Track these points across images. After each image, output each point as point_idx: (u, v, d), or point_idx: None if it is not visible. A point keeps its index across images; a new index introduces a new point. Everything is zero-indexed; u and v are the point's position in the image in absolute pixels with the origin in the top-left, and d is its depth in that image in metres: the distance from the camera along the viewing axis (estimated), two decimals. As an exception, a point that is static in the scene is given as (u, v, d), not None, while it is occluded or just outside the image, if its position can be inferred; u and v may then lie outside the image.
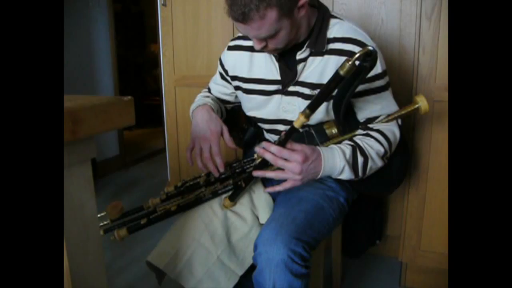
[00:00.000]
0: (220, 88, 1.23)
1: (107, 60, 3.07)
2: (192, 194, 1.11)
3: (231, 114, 1.28)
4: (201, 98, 1.20)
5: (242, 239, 1.06)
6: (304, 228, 0.93)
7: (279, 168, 0.92)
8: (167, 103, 2.12)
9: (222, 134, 1.05)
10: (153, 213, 1.10)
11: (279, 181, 0.96)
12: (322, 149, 0.93)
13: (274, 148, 0.90)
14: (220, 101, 1.25)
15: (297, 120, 0.87)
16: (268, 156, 0.90)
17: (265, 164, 0.95)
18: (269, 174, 0.93)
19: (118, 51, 3.20)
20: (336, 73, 0.81)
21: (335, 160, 0.93)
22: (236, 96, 1.21)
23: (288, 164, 0.89)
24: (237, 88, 1.16)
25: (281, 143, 0.90)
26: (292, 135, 0.90)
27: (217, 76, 1.22)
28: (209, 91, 1.28)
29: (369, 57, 0.81)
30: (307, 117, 0.87)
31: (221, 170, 1.03)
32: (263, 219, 1.07)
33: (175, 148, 2.21)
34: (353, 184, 1.11)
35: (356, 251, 1.49)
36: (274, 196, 1.16)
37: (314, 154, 0.91)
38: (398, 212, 1.71)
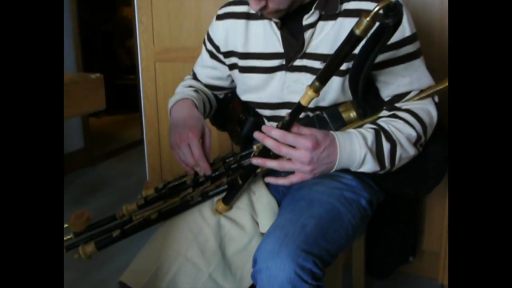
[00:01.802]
0: (210, 72, 1.25)
1: (67, 27, 3.05)
2: (177, 197, 1.12)
3: (223, 105, 1.30)
4: (182, 89, 1.22)
5: (239, 252, 1.07)
6: (316, 238, 0.93)
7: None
8: (145, 82, 2.14)
9: (203, 136, 1.06)
10: (128, 223, 1.11)
11: (285, 175, 0.96)
12: (337, 134, 0.93)
13: (277, 133, 0.89)
14: (210, 88, 1.27)
15: (305, 95, 0.87)
16: (269, 143, 0.90)
17: (266, 154, 0.96)
18: (270, 163, 0.93)
19: (80, 15, 3.18)
20: (351, 33, 0.81)
21: (354, 146, 0.93)
22: (232, 81, 1.24)
23: (295, 152, 0.89)
24: (233, 67, 1.17)
25: (285, 127, 0.90)
26: (298, 116, 0.90)
27: (204, 56, 1.24)
28: (195, 77, 1.29)
29: (391, 12, 0.80)
30: (317, 91, 0.86)
31: (207, 173, 1.05)
32: (265, 227, 1.08)
33: (155, 140, 2.22)
34: (378, 181, 1.12)
35: (383, 269, 1.50)
36: (279, 199, 1.17)
37: (327, 140, 0.90)
38: (437, 221, 1.70)
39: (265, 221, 1.10)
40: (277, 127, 0.91)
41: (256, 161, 0.95)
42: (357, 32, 0.79)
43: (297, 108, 0.89)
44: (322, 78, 0.85)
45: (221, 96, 1.31)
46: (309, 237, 0.92)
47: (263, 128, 0.91)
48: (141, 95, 2.19)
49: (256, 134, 0.92)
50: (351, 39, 0.81)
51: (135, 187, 2.80)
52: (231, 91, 1.30)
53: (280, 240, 0.90)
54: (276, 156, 0.96)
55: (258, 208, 1.12)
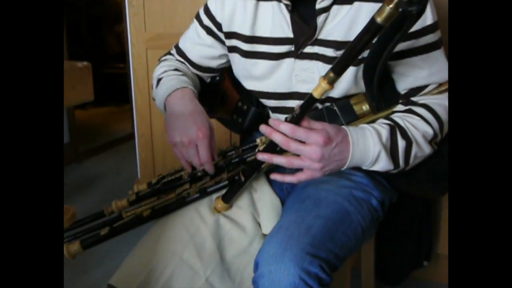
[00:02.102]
0: (203, 50, 1.22)
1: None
2: (172, 194, 1.12)
3: (211, 89, 1.28)
4: (171, 74, 1.18)
5: (239, 255, 1.07)
6: (323, 241, 0.93)
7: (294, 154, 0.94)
8: (136, 71, 2.14)
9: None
10: (117, 220, 1.10)
11: (292, 172, 0.97)
12: (349, 129, 0.94)
13: (286, 127, 0.90)
14: (200, 69, 1.25)
15: (317, 87, 0.87)
16: (277, 137, 0.90)
17: (273, 149, 0.96)
18: (277, 159, 0.94)
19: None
20: (372, 21, 0.80)
21: (368, 143, 0.94)
22: (227, 61, 1.22)
23: (305, 148, 0.90)
24: (232, 49, 1.16)
25: (295, 120, 0.90)
26: (309, 109, 0.90)
27: (198, 31, 1.21)
28: (181, 54, 1.26)
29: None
30: (331, 82, 0.86)
31: (210, 173, 1.05)
32: (268, 228, 1.09)
33: (147, 134, 2.24)
34: (391, 180, 1.12)
35: (395, 275, 1.50)
36: (283, 198, 1.17)
37: (339, 135, 0.91)
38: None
39: (268, 222, 1.10)
40: (285, 120, 0.91)
41: (262, 156, 0.95)
42: (379, 20, 0.78)
43: (308, 100, 0.89)
44: (337, 69, 0.85)
45: (208, 80, 1.29)
46: (316, 239, 0.92)
47: (271, 121, 0.91)
48: (132, 85, 2.19)
49: (263, 128, 0.92)
50: (372, 28, 0.80)
51: (125, 185, 2.77)
52: (220, 73, 1.28)
53: (284, 243, 0.91)
54: (282, 152, 0.96)
55: (260, 207, 1.12)
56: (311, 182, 1.07)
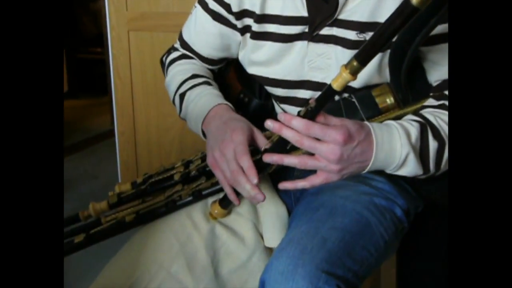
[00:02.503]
0: (214, 41, 1.20)
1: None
2: (160, 196, 1.12)
3: (218, 81, 1.27)
4: (193, 85, 1.17)
5: (236, 270, 1.07)
6: (340, 256, 0.93)
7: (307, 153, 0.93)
8: (116, 57, 2.14)
9: (252, 138, 1.03)
10: (95, 226, 1.10)
11: (303, 174, 0.96)
12: (373, 126, 0.93)
13: (299, 122, 0.88)
14: (211, 63, 1.25)
15: (338, 77, 0.86)
16: (289, 133, 0.89)
17: (282, 149, 0.95)
18: (289, 159, 0.92)
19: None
20: (406, 3, 0.79)
21: (394, 143, 0.93)
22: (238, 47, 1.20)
23: (322, 146, 0.88)
24: (245, 30, 1.15)
25: (309, 115, 0.89)
26: (327, 103, 0.89)
27: (203, 20, 1.19)
28: (187, 48, 1.25)
29: None
30: (355, 73, 0.85)
31: (254, 181, 0.98)
32: (271, 240, 1.09)
33: (129, 131, 2.25)
34: (417, 187, 1.12)
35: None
36: (290, 205, 1.16)
37: (361, 133, 0.90)
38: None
39: (271, 234, 1.09)
40: (298, 115, 0.90)
41: (270, 159, 0.94)
42: (414, 2, 0.78)
43: (326, 92, 0.88)
44: (362, 57, 0.84)
45: (216, 71, 1.28)
46: (332, 254, 0.91)
47: (281, 116, 0.90)
48: (111, 73, 2.19)
49: (269, 124, 0.90)
50: (405, 11, 0.80)
51: (104, 190, 2.73)
52: (226, 64, 1.28)
53: (295, 259, 0.90)
54: (291, 152, 0.96)
55: (263, 216, 1.12)
56: (325, 187, 1.06)
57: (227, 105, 1.11)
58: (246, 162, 0.96)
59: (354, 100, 1.06)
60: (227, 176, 1.00)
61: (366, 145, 0.90)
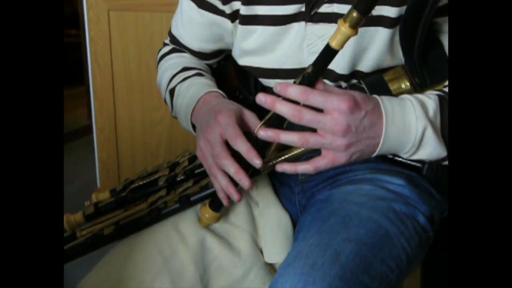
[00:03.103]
0: (203, 32, 1.20)
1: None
2: (143, 204, 1.11)
3: (219, 78, 1.27)
4: (184, 77, 1.17)
5: None
6: (356, 273, 0.91)
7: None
8: (94, 41, 2.12)
9: (242, 121, 1.02)
10: (70, 241, 1.09)
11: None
12: (381, 98, 0.91)
13: (295, 89, 0.86)
14: (204, 57, 1.25)
15: (336, 33, 0.83)
16: (284, 108, 0.87)
17: (279, 126, 0.93)
18: (286, 136, 0.89)
19: None
20: None
21: (408, 117, 0.90)
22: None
23: (324, 117, 0.86)
24: (234, 16, 1.14)
25: (307, 82, 0.87)
26: (326, 66, 0.88)
27: (188, 10, 1.20)
28: (176, 43, 1.26)
29: None
30: (355, 25, 0.82)
31: (258, 164, 0.96)
32: (272, 254, 1.09)
33: (109, 127, 2.22)
34: (443, 187, 1.12)
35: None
36: (295, 214, 1.17)
37: (369, 103, 0.88)
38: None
39: (273, 247, 1.09)
40: (294, 83, 0.88)
41: (264, 133, 0.90)
42: None
43: (325, 53, 0.86)
44: (363, 4, 0.81)
45: (214, 66, 1.29)
46: (346, 270, 0.90)
47: (276, 87, 0.87)
48: (88, 60, 2.18)
49: (261, 98, 0.88)
50: None
51: (80, 197, 2.78)
52: (225, 57, 1.29)
53: (304, 276, 0.88)
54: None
55: (264, 226, 1.11)
56: (335, 192, 1.06)
57: (217, 92, 1.10)
58: (243, 144, 0.94)
59: (363, 86, 1.05)
60: (208, 164, 0.99)
61: (375, 117, 0.88)
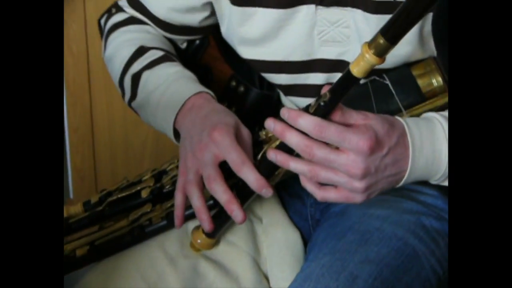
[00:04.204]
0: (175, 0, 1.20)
1: None
2: (123, 220, 1.11)
3: (189, 61, 1.27)
4: (155, 62, 1.16)
5: None
6: None
7: None
8: (68, 25, 2.12)
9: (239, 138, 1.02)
10: None
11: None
12: (407, 123, 0.91)
13: (307, 121, 0.86)
14: (171, 30, 1.25)
15: (358, 59, 0.83)
16: (294, 139, 0.88)
17: (288, 151, 0.94)
18: (296, 164, 0.90)
19: None
20: None
21: (438, 144, 0.91)
22: (212, 15, 1.21)
23: (339, 157, 0.87)
24: None
25: (322, 111, 0.87)
26: (346, 93, 0.87)
27: None
28: (135, 7, 1.24)
29: None
30: (382, 53, 0.82)
31: (269, 195, 0.98)
32: (280, 280, 1.09)
33: (84, 127, 2.23)
34: None
35: None
36: (306, 229, 1.17)
37: (392, 135, 0.89)
38: None
39: (279, 272, 1.10)
40: (306, 110, 0.88)
41: (274, 156, 0.92)
42: None
43: (344, 80, 0.86)
44: (392, 32, 0.81)
45: (183, 46, 1.29)
46: None
47: (284, 112, 0.89)
48: None
49: (270, 124, 0.90)
50: None
51: None
52: (202, 36, 1.28)
53: None
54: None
55: (269, 246, 1.12)
56: (353, 204, 1.04)
57: (208, 93, 1.10)
58: (251, 172, 0.95)
59: (387, 82, 1.05)
60: (188, 179, 1.00)
61: (399, 151, 0.89)
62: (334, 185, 0.92)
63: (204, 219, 0.99)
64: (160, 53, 1.17)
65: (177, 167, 1.11)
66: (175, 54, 1.23)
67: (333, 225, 1.06)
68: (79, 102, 2.17)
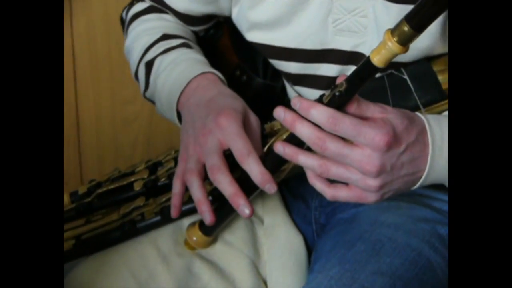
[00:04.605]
0: None
1: None
2: (113, 214, 1.11)
3: (206, 48, 1.28)
4: (166, 48, 1.18)
5: None
6: None
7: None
8: None
9: (247, 125, 1.02)
10: None
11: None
12: (428, 120, 0.92)
13: (321, 113, 0.85)
14: (189, 21, 1.26)
15: (380, 47, 0.83)
16: (305, 131, 0.87)
17: (299, 144, 0.93)
18: (306, 158, 0.90)
19: None
20: None
21: None
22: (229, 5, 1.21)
23: (353, 152, 0.87)
24: None
25: (337, 102, 0.87)
26: (362, 85, 0.87)
27: None
28: (155, 0, 1.27)
29: None
30: (406, 42, 0.81)
31: (272, 191, 0.97)
32: (279, 286, 1.10)
33: (69, 126, 2.20)
34: None
35: None
36: (310, 234, 1.19)
37: (412, 131, 0.89)
38: None
39: (280, 277, 1.10)
40: (319, 101, 0.88)
41: (281, 149, 0.91)
42: None
43: (363, 69, 0.86)
44: (418, 18, 0.80)
45: (201, 34, 1.30)
46: None
47: (295, 102, 0.88)
48: None
49: (280, 113, 0.89)
50: None
51: None
52: (216, 24, 1.30)
53: None
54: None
55: (269, 250, 1.13)
56: (364, 210, 1.08)
57: (215, 74, 1.11)
58: (255, 164, 0.95)
59: (405, 77, 1.05)
60: (188, 168, 1.00)
61: (417, 149, 0.89)
62: (345, 183, 0.91)
63: (204, 210, 0.99)
64: (179, 41, 1.18)
65: (174, 158, 1.11)
66: (195, 42, 1.24)
67: (342, 233, 1.06)
68: (64, 99, 2.13)
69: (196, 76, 1.09)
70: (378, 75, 1.01)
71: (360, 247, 1.00)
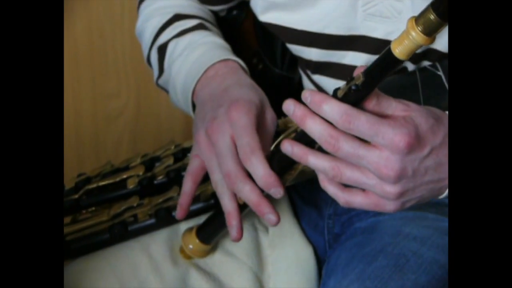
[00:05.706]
0: None
1: None
2: (103, 215, 1.12)
3: (226, 30, 1.29)
4: (182, 30, 1.19)
5: None
6: None
7: None
8: None
9: (261, 120, 1.03)
10: None
11: None
12: None
13: (334, 109, 0.84)
14: (208, 1, 1.28)
15: (402, 37, 0.82)
16: (316, 128, 0.86)
17: (309, 143, 0.92)
18: (316, 160, 0.89)
19: None
20: None
21: None
22: None
23: (370, 154, 0.85)
24: None
25: (353, 97, 0.86)
26: (385, 77, 0.86)
27: None
28: None
29: None
30: (431, 32, 0.80)
31: (278, 195, 0.97)
32: None
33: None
34: None
35: None
36: (321, 245, 1.19)
37: (438, 133, 0.87)
38: None
39: None
40: (335, 95, 0.86)
41: (290, 148, 0.90)
42: None
43: (383, 61, 0.85)
44: (444, 6, 0.78)
45: (222, 14, 1.30)
46: None
47: (306, 95, 0.87)
48: None
49: (290, 106, 0.88)
50: None
51: None
52: (239, 4, 1.30)
53: None
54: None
55: (274, 262, 1.14)
56: (384, 220, 1.09)
57: (237, 62, 1.10)
58: (260, 165, 0.94)
59: (440, 72, 1.06)
60: (215, 180, 0.99)
61: (445, 153, 0.88)
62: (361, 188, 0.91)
63: (234, 225, 0.99)
64: (195, 22, 1.18)
65: (173, 154, 1.13)
66: (214, 23, 1.24)
67: (360, 245, 1.06)
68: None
69: (214, 63, 1.09)
70: (410, 68, 1.08)
71: (382, 262, 1.00)
